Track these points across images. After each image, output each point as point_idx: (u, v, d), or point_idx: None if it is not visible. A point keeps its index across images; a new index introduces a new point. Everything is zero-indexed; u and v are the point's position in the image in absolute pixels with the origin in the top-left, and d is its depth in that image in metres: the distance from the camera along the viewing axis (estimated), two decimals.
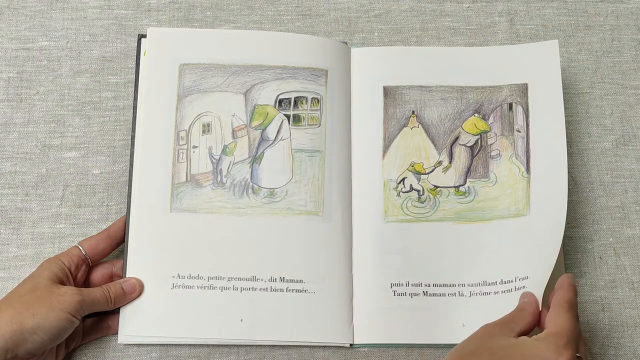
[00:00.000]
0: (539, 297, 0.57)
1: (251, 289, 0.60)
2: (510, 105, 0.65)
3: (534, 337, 0.51)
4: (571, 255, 0.65)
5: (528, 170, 0.63)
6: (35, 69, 0.68)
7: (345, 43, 0.68)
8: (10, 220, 0.63)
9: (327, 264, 0.61)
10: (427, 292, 0.61)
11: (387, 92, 0.65)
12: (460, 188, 0.64)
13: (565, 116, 0.69)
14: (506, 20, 0.73)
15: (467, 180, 0.64)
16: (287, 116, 0.65)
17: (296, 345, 0.60)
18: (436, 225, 0.63)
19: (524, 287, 0.60)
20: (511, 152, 0.64)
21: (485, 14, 0.73)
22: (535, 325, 0.55)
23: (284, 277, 0.60)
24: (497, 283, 0.61)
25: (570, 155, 0.68)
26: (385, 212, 0.63)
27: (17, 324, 0.50)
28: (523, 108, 0.65)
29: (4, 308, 0.52)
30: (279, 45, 0.65)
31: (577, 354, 0.49)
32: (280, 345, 0.60)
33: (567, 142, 0.68)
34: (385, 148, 0.65)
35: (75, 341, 0.58)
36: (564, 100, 0.70)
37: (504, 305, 0.61)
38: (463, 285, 0.61)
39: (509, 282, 0.61)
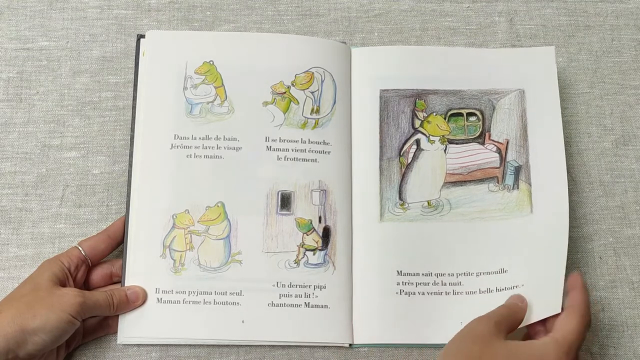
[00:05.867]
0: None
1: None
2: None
3: (535, 341, 0.51)
4: (571, 255, 0.65)
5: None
6: (35, 69, 0.68)
7: (345, 43, 0.68)
8: (10, 220, 0.63)
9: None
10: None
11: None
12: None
13: (565, 116, 0.69)
14: (506, 20, 0.73)
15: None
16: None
17: (296, 346, 0.60)
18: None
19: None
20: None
21: (485, 14, 0.73)
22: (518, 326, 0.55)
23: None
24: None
25: (570, 155, 0.68)
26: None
27: (19, 325, 0.50)
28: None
29: (5, 309, 0.52)
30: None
31: None
32: (280, 346, 0.60)
33: (567, 142, 0.68)
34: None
35: (75, 341, 0.58)
36: (564, 100, 0.70)
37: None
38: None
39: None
